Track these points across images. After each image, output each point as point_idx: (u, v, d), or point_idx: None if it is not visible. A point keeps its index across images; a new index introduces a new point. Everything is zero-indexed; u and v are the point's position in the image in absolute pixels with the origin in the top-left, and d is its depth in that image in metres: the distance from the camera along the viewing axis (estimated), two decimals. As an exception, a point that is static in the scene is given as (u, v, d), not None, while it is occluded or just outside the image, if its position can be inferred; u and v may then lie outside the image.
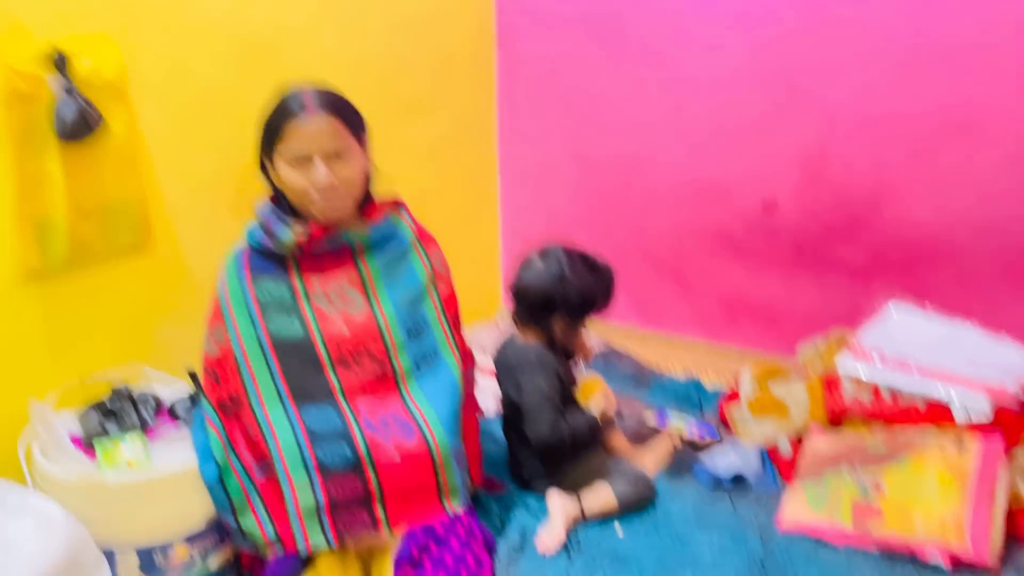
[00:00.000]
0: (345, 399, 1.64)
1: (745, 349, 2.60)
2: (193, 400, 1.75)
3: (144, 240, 1.86)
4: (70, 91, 1.65)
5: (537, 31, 2.70)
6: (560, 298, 1.79)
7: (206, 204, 2.01)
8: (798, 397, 2.04)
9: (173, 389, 1.84)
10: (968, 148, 2.14)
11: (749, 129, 2.43)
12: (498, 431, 2.02)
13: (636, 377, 2.52)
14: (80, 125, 1.65)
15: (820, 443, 1.90)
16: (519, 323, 1.87)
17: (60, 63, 1.64)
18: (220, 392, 1.66)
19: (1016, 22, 2.02)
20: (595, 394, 1.86)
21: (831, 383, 2.01)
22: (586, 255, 1.87)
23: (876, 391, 1.96)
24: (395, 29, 2.40)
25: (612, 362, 2.58)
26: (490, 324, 2.88)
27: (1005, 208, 2.14)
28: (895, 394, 1.94)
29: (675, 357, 2.67)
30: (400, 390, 1.69)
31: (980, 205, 2.16)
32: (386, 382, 1.68)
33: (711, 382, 2.48)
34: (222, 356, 1.66)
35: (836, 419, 1.97)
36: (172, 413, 1.74)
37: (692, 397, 2.37)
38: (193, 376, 1.79)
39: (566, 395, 1.85)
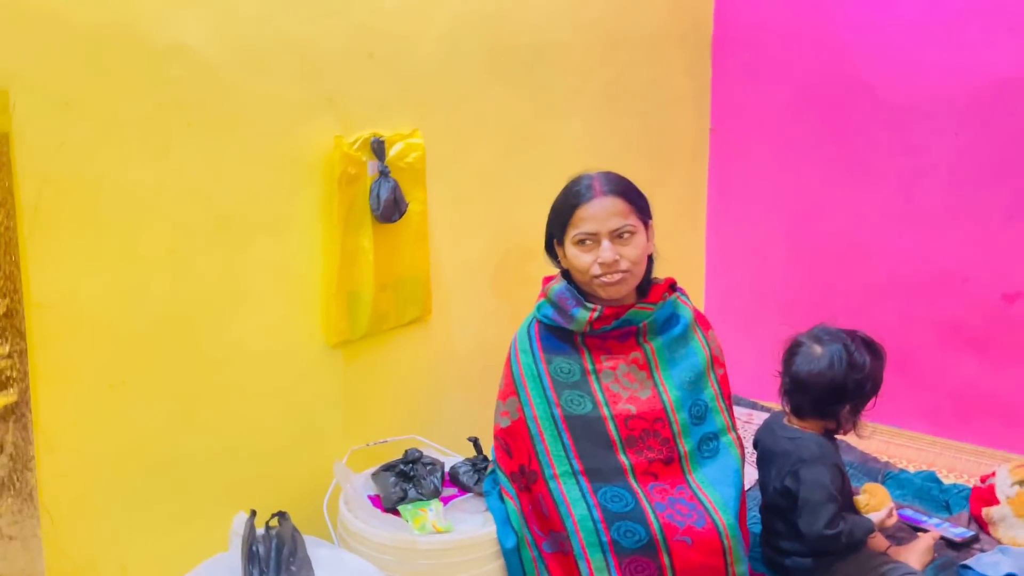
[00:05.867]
0: (636, 480, 1.67)
1: (979, 447, 2.49)
2: (475, 467, 1.81)
3: (426, 313, 1.97)
4: (385, 174, 1.79)
5: (752, 114, 2.76)
6: (853, 386, 1.74)
7: (473, 281, 2.12)
8: (1070, 500, 1.94)
9: (448, 457, 1.91)
10: None
11: (989, 215, 2.38)
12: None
13: (864, 469, 2.44)
14: (392, 208, 1.79)
15: (1107, 551, 1.80)
16: (799, 413, 1.83)
17: (378, 148, 1.79)
18: (511, 463, 1.72)
19: None
20: (881, 508, 1.80)
21: (1109, 486, 1.91)
22: (863, 336, 1.81)
23: None
24: (627, 116, 2.53)
25: (835, 452, 2.52)
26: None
27: None
28: None
29: (900, 451, 2.58)
30: (684, 473, 1.71)
31: None
32: (672, 464, 1.70)
33: (947, 479, 2.39)
34: (513, 428, 1.73)
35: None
36: (454, 480, 1.81)
37: (933, 494, 2.28)
38: (476, 444, 1.86)
39: (845, 492, 1.79)
